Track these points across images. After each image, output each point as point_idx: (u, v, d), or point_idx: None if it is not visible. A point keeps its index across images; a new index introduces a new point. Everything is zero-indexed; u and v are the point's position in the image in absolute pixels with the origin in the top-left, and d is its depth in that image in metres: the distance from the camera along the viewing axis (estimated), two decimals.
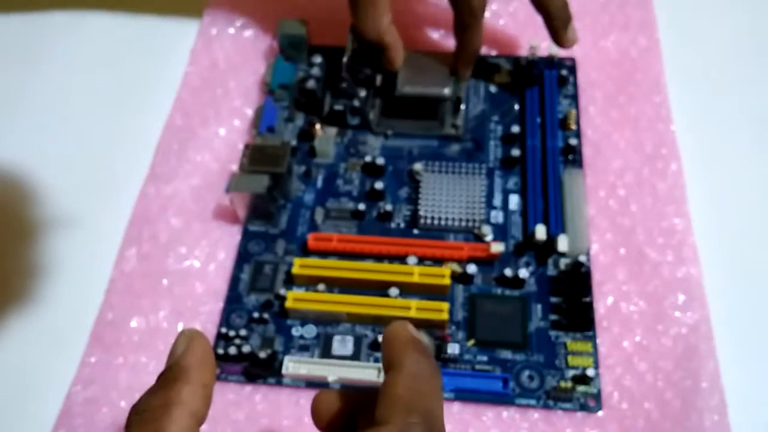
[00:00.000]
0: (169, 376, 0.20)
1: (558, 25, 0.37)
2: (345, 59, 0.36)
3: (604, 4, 0.44)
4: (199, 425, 0.19)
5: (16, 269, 0.36)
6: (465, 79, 0.39)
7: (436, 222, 0.35)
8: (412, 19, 0.43)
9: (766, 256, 0.35)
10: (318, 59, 0.40)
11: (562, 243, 0.34)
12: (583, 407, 0.31)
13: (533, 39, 0.40)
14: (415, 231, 0.36)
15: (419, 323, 0.32)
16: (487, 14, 0.43)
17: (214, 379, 0.20)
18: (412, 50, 0.38)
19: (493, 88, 0.40)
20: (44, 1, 0.46)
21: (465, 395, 0.31)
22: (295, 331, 0.33)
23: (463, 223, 0.35)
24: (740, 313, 0.33)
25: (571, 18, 0.37)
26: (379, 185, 0.36)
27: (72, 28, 0.45)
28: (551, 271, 0.34)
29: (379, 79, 0.39)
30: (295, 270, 0.34)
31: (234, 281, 0.35)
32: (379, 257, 0.35)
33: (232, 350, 0.32)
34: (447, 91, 0.37)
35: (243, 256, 0.35)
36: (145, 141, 0.40)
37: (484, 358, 0.32)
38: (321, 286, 0.34)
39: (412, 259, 0.34)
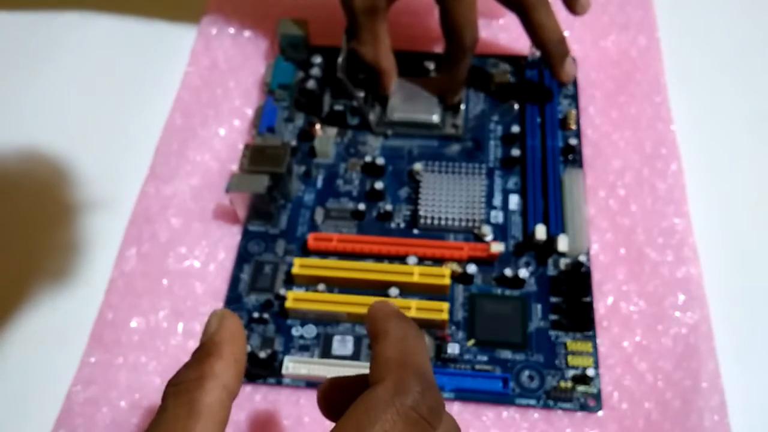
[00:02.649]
0: (203, 352, 0.21)
1: (555, 61, 0.37)
2: (340, 60, 0.36)
3: (604, 4, 0.44)
4: (232, 399, 0.20)
5: (15, 269, 0.36)
6: (452, 104, 0.39)
7: (436, 222, 0.35)
8: (412, 19, 0.43)
9: (766, 256, 0.35)
10: (318, 59, 0.40)
11: (562, 243, 0.34)
12: (583, 407, 0.31)
13: None
14: (415, 231, 0.36)
15: (419, 323, 0.32)
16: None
17: (245, 355, 0.21)
18: (404, 76, 0.39)
19: (493, 88, 0.40)
20: (45, 2, 0.46)
21: (465, 395, 0.31)
22: (295, 331, 0.33)
23: (463, 223, 0.35)
24: (740, 313, 0.33)
25: (569, 53, 0.37)
26: (379, 185, 0.36)
27: (72, 28, 0.45)
28: (551, 271, 0.34)
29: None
30: (295, 270, 0.34)
31: (234, 281, 0.35)
32: (379, 257, 0.35)
33: None
34: (435, 117, 0.38)
35: (243, 256, 0.35)
36: (145, 141, 0.40)
37: (484, 358, 0.32)
38: (321, 286, 0.34)
39: (412, 259, 0.34)
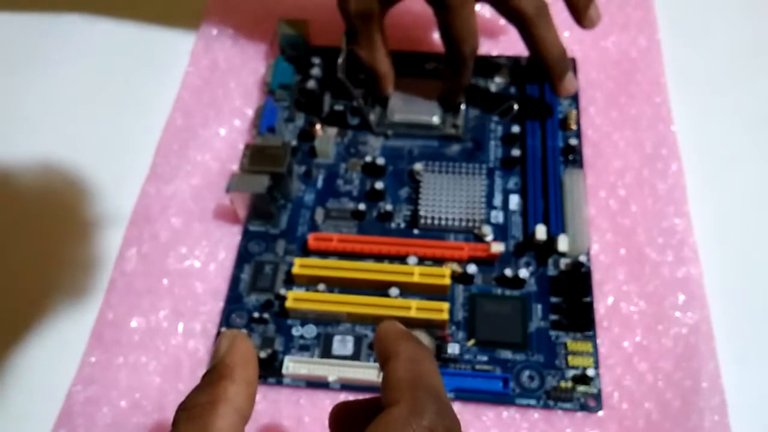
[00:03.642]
0: (215, 375, 0.20)
1: (555, 76, 0.36)
2: (340, 60, 0.36)
3: (604, 4, 0.44)
4: (244, 423, 0.20)
5: (15, 269, 0.36)
6: (453, 107, 0.39)
7: (436, 222, 0.35)
8: (412, 19, 0.43)
9: (766, 256, 0.35)
10: (318, 59, 0.41)
11: (562, 243, 0.34)
12: (583, 407, 0.31)
13: None
14: (415, 231, 0.36)
15: (419, 323, 0.32)
16: (487, 13, 0.43)
17: (257, 377, 0.21)
18: (404, 78, 0.39)
19: (493, 88, 0.41)
20: (45, 3, 0.46)
21: (465, 395, 0.31)
22: (296, 331, 0.33)
23: (463, 223, 0.35)
24: (740, 313, 0.33)
25: (569, 68, 0.36)
26: (379, 185, 0.36)
27: (73, 29, 0.45)
28: (551, 271, 0.34)
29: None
30: (296, 270, 0.34)
31: (234, 281, 0.35)
32: (379, 257, 0.35)
33: None
34: (436, 119, 0.38)
35: (243, 256, 0.35)
36: (146, 141, 0.40)
37: (484, 358, 0.32)
38: (321, 286, 0.34)
39: (412, 259, 0.34)
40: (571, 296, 0.33)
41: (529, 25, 0.34)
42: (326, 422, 0.31)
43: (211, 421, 0.19)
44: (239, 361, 0.20)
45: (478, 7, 0.35)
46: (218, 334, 0.33)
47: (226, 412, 0.19)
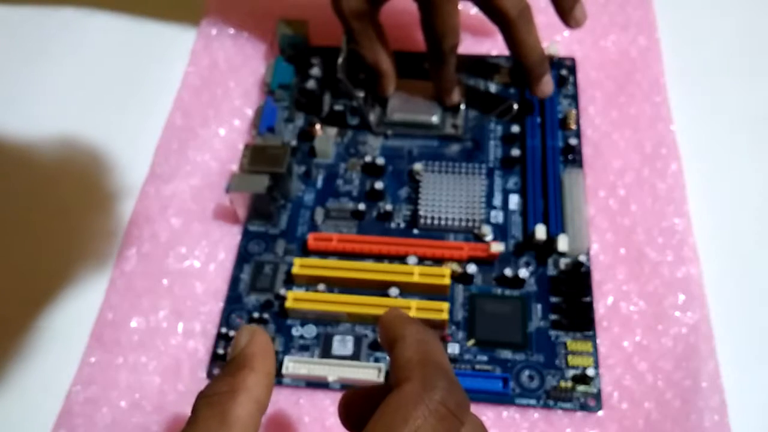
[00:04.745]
0: (235, 365, 0.21)
1: (533, 77, 0.37)
2: (340, 60, 0.36)
3: (604, 4, 0.44)
4: (262, 413, 0.20)
5: (15, 269, 0.36)
6: (451, 105, 0.39)
7: (436, 222, 0.35)
8: (410, 19, 0.43)
9: (766, 256, 0.35)
10: (318, 59, 0.41)
11: (562, 243, 0.34)
12: (583, 407, 0.31)
13: None
14: (415, 231, 0.36)
15: None
16: None
17: (275, 370, 0.22)
18: (403, 78, 0.39)
19: (493, 88, 0.41)
20: (45, 0, 0.46)
21: None
22: (295, 331, 0.33)
23: (463, 223, 0.35)
24: (740, 313, 0.33)
25: (548, 71, 0.37)
26: (379, 185, 0.36)
27: (72, 27, 0.45)
28: (551, 271, 0.34)
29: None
30: (295, 270, 0.34)
31: (234, 281, 0.35)
32: (379, 257, 0.35)
33: None
34: (435, 118, 0.38)
35: (243, 256, 0.35)
36: (145, 141, 0.40)
37: (484, 358, 0.32)
38: (321, 286, 0.34)
39: (412, 259, 0.34)
40: (571, 296, 0.33)
41: (510, 27, 0.35)
42: (326, 422, 0.31)
43: (230, 408, 0.19)
44: (259, 352, 0.21)
45: (474, 10, 0.35)
46: (218, 334, 0.33)
47: (245, 401, 0.20)
